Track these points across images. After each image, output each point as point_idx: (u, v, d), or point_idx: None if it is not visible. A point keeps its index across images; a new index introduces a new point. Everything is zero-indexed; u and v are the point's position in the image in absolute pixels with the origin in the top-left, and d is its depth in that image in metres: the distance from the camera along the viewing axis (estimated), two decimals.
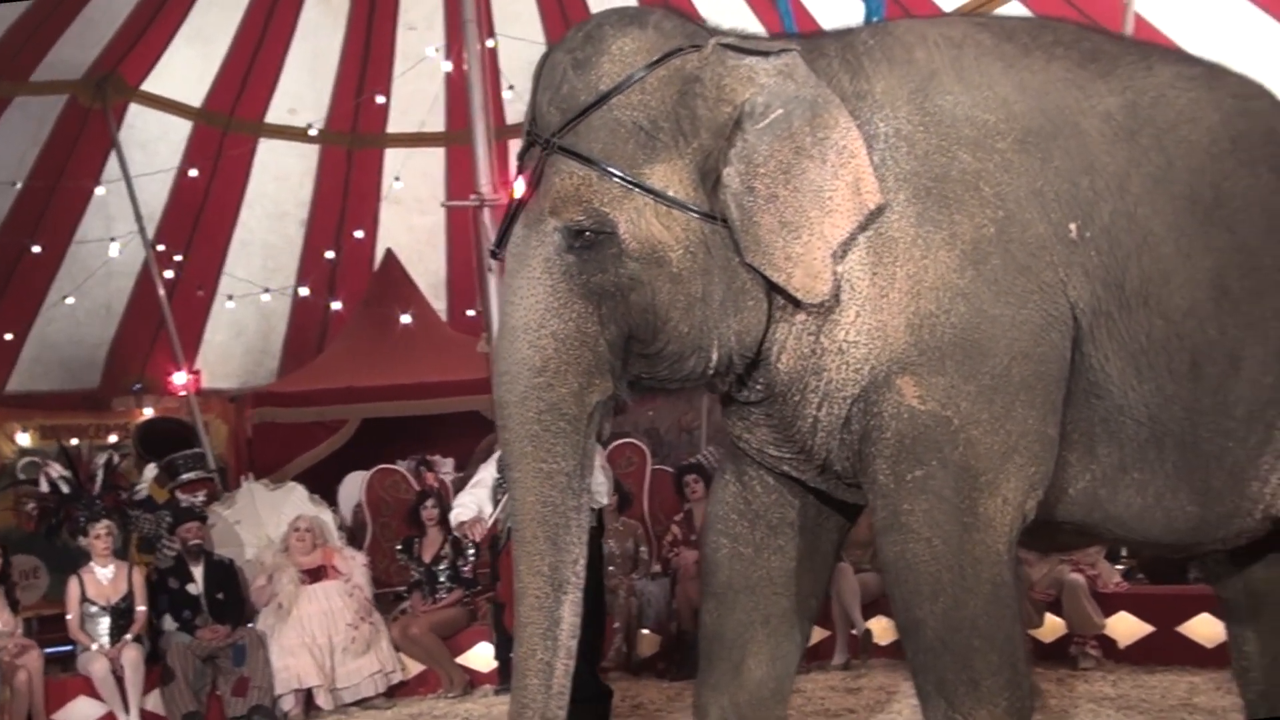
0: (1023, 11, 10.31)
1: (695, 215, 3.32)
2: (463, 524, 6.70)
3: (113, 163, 11.85)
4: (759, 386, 3.55)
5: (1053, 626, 7.69)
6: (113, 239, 12.10)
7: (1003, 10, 10.40)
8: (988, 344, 3.33)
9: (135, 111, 12.20)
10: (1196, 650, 7.04)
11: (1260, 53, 9.32)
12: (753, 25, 10.37)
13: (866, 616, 7.97)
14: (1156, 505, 3.68)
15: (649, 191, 3.28)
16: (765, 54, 3.39)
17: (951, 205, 3.38)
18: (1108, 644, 7.52)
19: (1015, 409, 3.34)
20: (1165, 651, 7.27)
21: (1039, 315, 3.38)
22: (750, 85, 3.34)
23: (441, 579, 8.60)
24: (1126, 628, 7.55)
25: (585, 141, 3.30)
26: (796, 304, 3.37)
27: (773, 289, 3.39)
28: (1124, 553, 8.07)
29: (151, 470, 9.84)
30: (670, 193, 3.30)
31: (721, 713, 3.88)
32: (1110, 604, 7.58)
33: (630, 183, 3.27)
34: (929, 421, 3.32)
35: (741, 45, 3.42)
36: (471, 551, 8.63)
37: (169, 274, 12.55)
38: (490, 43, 10.46)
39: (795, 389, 3.48)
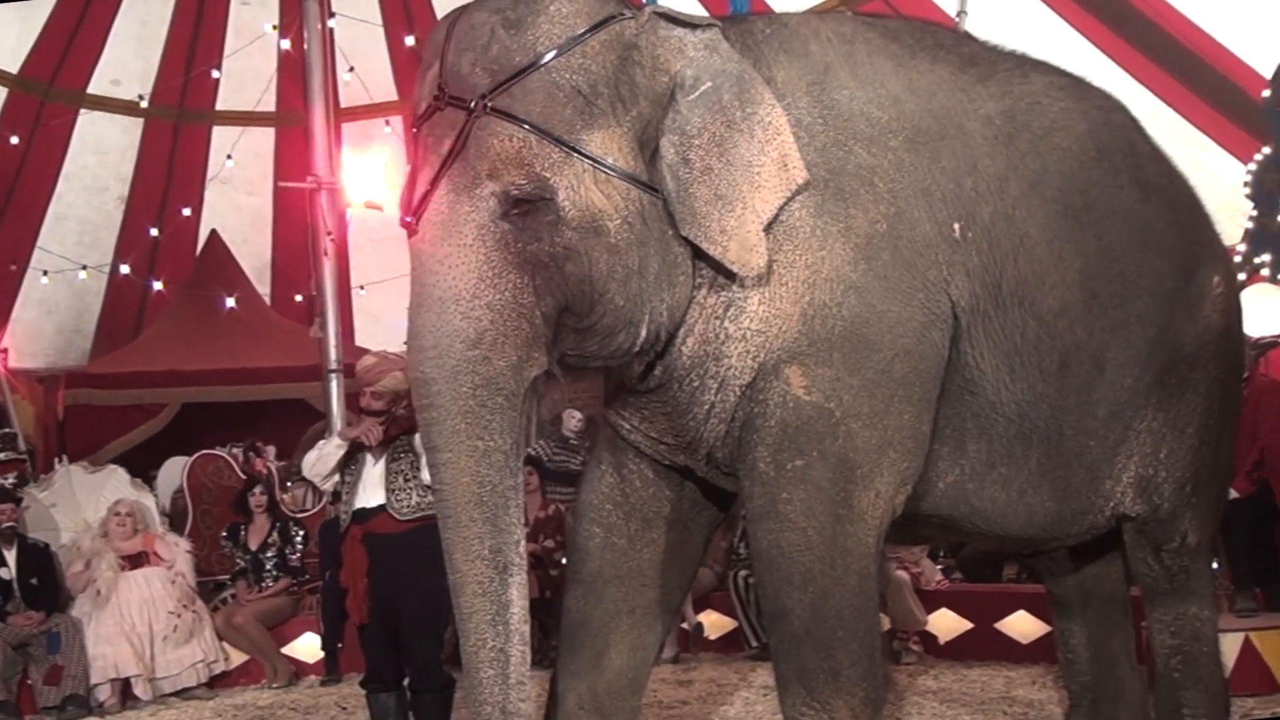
0: None
1: (635, 185, 3.24)
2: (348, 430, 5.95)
3: None
4: (658, 371, 3.52)
5: None
6: None
7: None
8: (874, 339, 3.39)
9: None
10: (1013, 646, 7.29)
11: (1080, 68, 9.86)
12: None
13: (698, 610, 8.07)
14: (1019, 500, 3.81)
15: (589, 158, 3.17)
16: (692, 26, 3.36)
17: (848, 199, 3.42)
18: (929, 639, 7.73)
19: (894, 405, 3.41)
20: (984, 647, 7.50)
21: (922, 313, 3.45)
22: (681, 57, 3.30)
23: (268, 567, 8.40)
24: (947, 624, 7.78)
25: (521, 104, 3.14)
26: (729, 277, 3.34)
27: (701, 263, 3.36)
28: (942, 552, 8.36)
29: None
30: (610, 160, 3.20)
31: (579, 700, 3.85)
32: (932, 601, 7.80)
33: (570, 148, 3.15)
34: (812, 413, 3.36)
35: (671, 15, 3.38)
36: (300, 539, 8.47)
37: None
38: (330, 22, 10.27)
39: (695, 374, 3.47)
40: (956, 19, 9.58)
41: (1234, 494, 6.79)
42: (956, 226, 3.54)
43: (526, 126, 3.13)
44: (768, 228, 3.33)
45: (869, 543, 3.42)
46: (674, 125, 3.28)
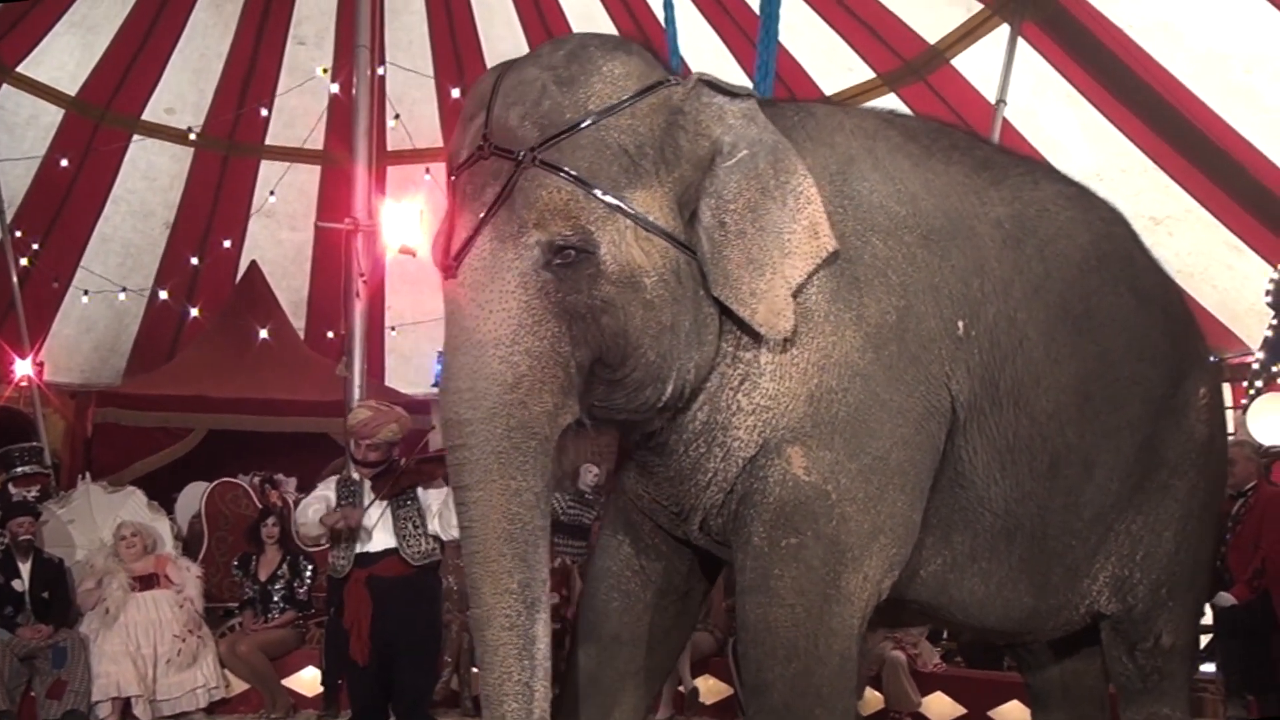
0: (900, 107, 10.73)
1: (673, 244, 3.32)
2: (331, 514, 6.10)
3: None
4: (669, 434, 3.56)
5: (871, 700, 7.89)
6: None
7: (879, 104, 10.83)
8: (875, 426, 3.45)
9: (6, 93, 11.99)
10: None
11: (1115, 163, 9.95)
12: None
13: (695, 674, 8.11)
14: (998, 595, 3.87)
15: (632, 215, 3.25)
16: (733, 95, 3.45)
17: (862, 288, 3.50)
18: None
19: (889, 491, 3.47)
20: None
21: (923, 404, 3.53)
22: (721, 124, 3.40)
23: (275, 598, 8.50)
24: (941, 707, 7.81)
25: (569, 159, 3.21)
26: (755, 340, 3.41)
27: (727, 333, 3.43)
28: (945, 635, 8.37)
29: None
30: (651, 219, 3.28)
31: None
32: (927, 683, 7.83)
33: (617, 205, 3.23)
34: (810, 493, 3.41)
35: (715, 83, 3.46)
36: (309, 574, 8.57)
37: (23, 261, 12.24)
38: (380, 70, 10.48)
39: (703, 441, 3.52)
40: (995, 107, 9.70)
41: (1233, 601, 6.83)
42: (961, 324, 3.61)
43: (574, 180, 3.20)
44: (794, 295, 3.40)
45: (854, 624, 3.47)
46: (712, 189, 3.36)
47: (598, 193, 3.21)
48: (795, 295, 3.39)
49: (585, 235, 3.20)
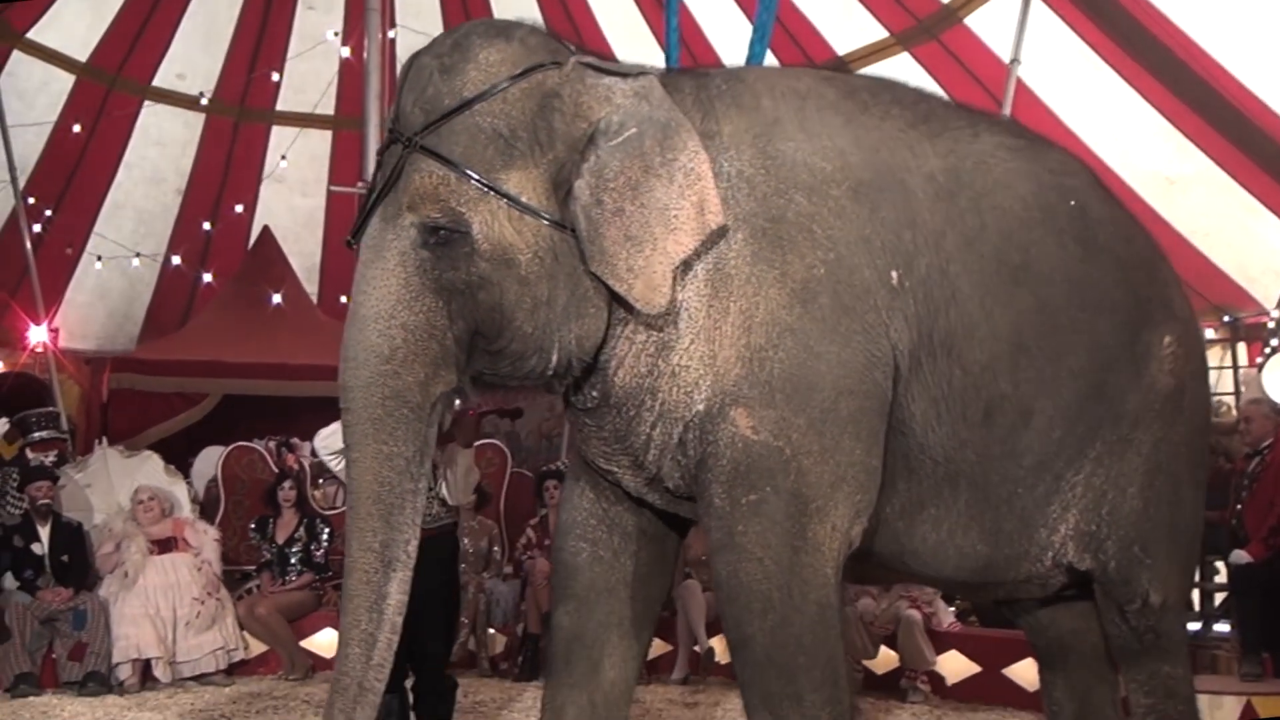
0: (912, 66, 10.69)
1: (546, 222, 3.46)
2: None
3: None
4: (594, 394, 3.69)
5: (886, 659, 7.96)
6: None
7: (892, 62, 10.79)
8: (815, 379, 3.51)
9: (17, 59, 11.89)
10: (1019, 692, 7.29)
11: (1130, 122, 9.90)
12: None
13: (711, 634, 8.13)
14: (949, 542, 3.91)
15: (503, 195, 3.41)
16: (624, 75, 3.56)
17: (785, 246, 3.56)
18: (937, 680, 7.81)
19: (844, 441, 3.52)
20: (990, 691, 7.56)
21: (863, 355, 3.57)
22: (607, 104, 3.50)
23: (293, 561, 8.59)
24: (955, 666, 7.84)
25: (446, 143, 3.42)
26: (634, 314, 3.53)
27: (615, 300, 3.54)
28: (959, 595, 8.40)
29: (2, 425, 9.62)
30: (524, 199, 3.43)
31: (579, 711, 3.98)
32: (942, 642, 7.87)
33: (487, 186, 3.40)
34: (762, 451, 3.48)
35: (601, 65, 3.59)
36: (326, 536, 8.63)
37: (37, 228, 12.24)
38: (391, 33, 10.45)
39: (630, 404, 3.63)
40: (1009, 67, 9.64)
41: (1249, 558, 6.86)
42: (895, 274, 3.65)
43: (447, 164, 3.41)
44: (698, 275, 3.52)
45: (827, 573, 3.52)
46: (592, 168, 3.46)
47: (470, 175, 3.40)
48: (694, 266, 3.51)
49: (456, 216, 3.40)
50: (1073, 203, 4.04)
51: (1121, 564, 4.08)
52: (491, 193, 3.41)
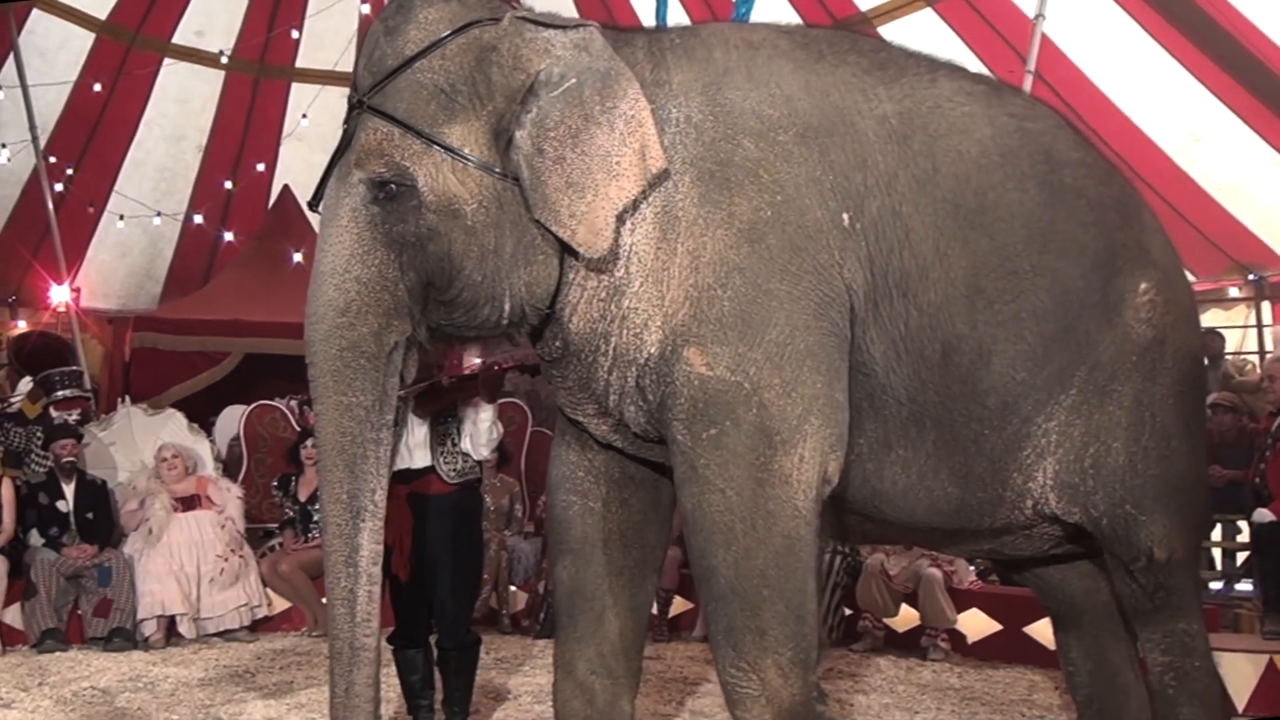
0: (935, 22, 10.59)
1: (488, 172, 3.55)
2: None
3: (9, 68, 11.53)
4: (556, 344, 3.79)
5: (906, 617, 7.96)
6: (3, 145, 11.82)
7: (915, 18, 10.69)
8: (766, 315, 3.56)
9: (37, 17, 11.90)
10: (1040, 651, 7.26)
11: (1156, 78, 9.80)
12: None
13: None
14: (920, 484, 3.93)
15: (445, 148, 3.52)
16: (563, 28, 3.64)
17: (732, 188, 3.63)
18: (957, 638, 7.81)
19: (804, 374, 3.56)
20: (1010, 649, 7.56)
21: (817, 293, 3.62)
22: (546, 56, 3.58)
23: (315, 518, 8.58)
24: (976, 624, 7.84)
25: (391, 101, 3.53)
26: (578, 258, 3.61)
27: (564, 248, 3.61)
28: None
29: (26, 384, 9.66)
30: (466, 151, 3.54)
31: (589, 664, 4.06)
32: (963, 600, 7.87)
33: (429, 139, 3.51)
34: (719, 386, 3.54)
35: (539, 19, 3.66)
36: None
37: (58, 187, 12.28)
38: None
39: (587, 350, 3.73)
40: (1034, 22, 9.54)
41: (1271, 517, 6.82)
42: (846, 216, 3.70)
43: (391, 120, 3.52)
44: (646, 219, 3.61)
45: (797, 505, 3.55)
46: (533, 118, 3.55)
47: (411, 129, 3.51)
48: (643, 210, 3.61)
49: (400, 170, 3.52)
50: (1036, 146, 4.02)
51: (1115, 521, 4.06)
52: (434, 146, 3.52)
